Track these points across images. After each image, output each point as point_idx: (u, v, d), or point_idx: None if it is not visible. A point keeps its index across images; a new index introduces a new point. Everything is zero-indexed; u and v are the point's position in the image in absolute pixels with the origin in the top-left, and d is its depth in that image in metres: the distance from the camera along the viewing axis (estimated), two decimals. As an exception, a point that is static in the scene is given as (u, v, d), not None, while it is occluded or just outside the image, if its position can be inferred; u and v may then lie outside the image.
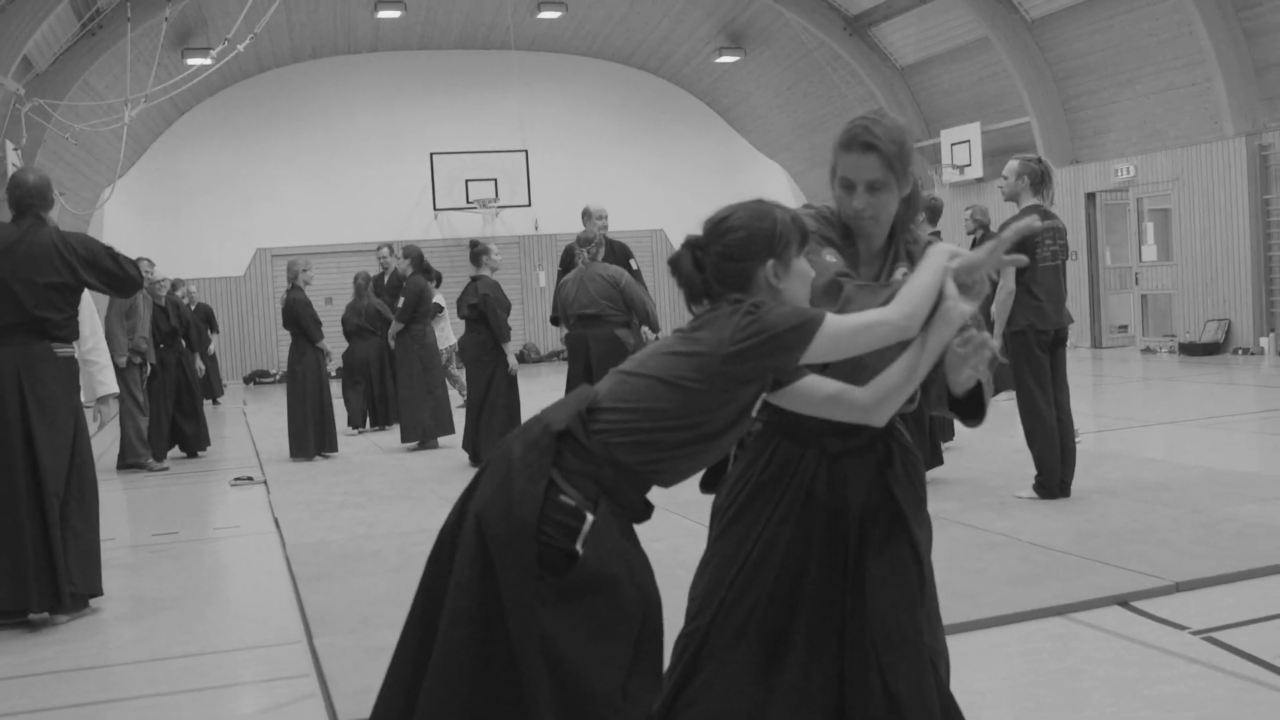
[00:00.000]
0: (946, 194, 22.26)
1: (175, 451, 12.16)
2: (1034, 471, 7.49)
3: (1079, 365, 16.87)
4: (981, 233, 13.13)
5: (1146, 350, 18.82)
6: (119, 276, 6.02)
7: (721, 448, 2.72)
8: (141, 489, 10.37)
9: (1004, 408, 12.22)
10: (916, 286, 2.69)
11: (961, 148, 21.66)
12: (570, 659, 2.48)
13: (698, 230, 2.80)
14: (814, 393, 2.75)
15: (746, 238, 2.70)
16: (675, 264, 2.75)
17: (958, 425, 9.94)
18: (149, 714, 4.59)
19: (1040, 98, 19.92)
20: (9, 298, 5.74)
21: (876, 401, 2.72)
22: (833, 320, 2.62)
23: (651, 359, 2.67)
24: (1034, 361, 7.37)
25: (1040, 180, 7.44)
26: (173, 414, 11.99)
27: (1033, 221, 2.86)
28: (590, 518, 2.54)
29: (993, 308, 7.43)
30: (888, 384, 2.73)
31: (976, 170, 21.32)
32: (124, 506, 9.60)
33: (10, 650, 5.43)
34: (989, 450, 9.36)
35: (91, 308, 6.37)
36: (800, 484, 2.93)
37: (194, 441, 12.27)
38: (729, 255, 2.71)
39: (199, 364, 13.09)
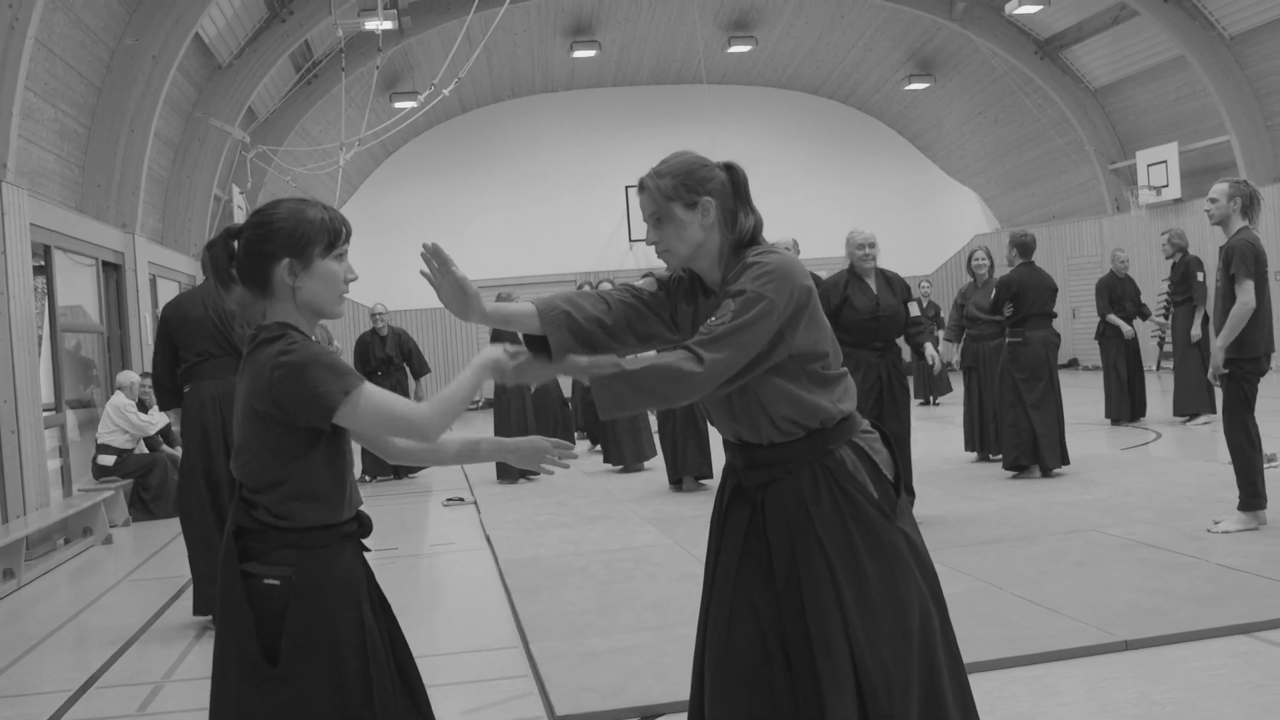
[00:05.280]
0: (1144, 216, 21.88)
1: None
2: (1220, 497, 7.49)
3: (1284, 389, 16.39)
4: (1180, 256, 12.91)
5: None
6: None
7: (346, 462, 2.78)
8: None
9: (1201, 431, 12.04)
10: (452, 392, 2.72)
11: (1158, 169, 21.26)
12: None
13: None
14: (377, 408, 2.66)
15: (267, 233, 2.67)
16: (210, 248, 2.75)
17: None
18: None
19: (1241, 115, 19.48)
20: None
21: (438, 417, 2.68)
22: (374, 391, 2.63)
23: (244, 416, 2.70)
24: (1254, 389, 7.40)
25: (1250, 203, 7.42)
26: None
27: None
28: (290, 580, 2.63)
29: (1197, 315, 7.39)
30: (449, 404, 2.70)
31: (1174, 191, 20.91)
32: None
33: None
34: (1183, 473, 9.36)
35: None
36: (718, 518, 3.04)
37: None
38: (250, 249, 2.69)
39: (418, 391, 13.89)
